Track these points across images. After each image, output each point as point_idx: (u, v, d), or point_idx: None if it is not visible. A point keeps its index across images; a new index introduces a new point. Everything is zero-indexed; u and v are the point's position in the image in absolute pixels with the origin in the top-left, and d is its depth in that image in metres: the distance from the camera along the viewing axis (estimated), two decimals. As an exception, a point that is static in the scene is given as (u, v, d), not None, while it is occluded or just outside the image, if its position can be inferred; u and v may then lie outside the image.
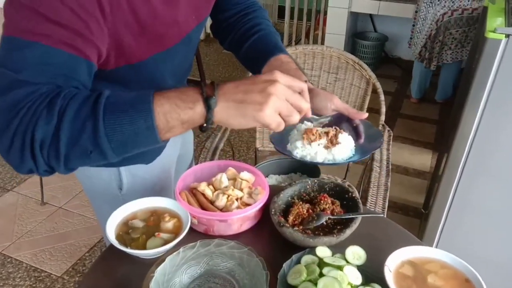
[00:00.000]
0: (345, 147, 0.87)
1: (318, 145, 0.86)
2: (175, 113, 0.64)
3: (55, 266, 2.04)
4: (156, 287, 0.76)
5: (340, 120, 0.93)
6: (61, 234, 2.23)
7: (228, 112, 0.65)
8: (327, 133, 0.88)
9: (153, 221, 0.93)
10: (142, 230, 0.91)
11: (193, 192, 1.00)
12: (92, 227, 2.27)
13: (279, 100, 0.65)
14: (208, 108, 0.64)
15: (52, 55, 0.62)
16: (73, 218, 2.34)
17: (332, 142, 0.86)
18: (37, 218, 2.33)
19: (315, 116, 0.91)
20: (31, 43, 0.61)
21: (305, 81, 0.91)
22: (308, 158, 0.86)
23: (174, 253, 0.83)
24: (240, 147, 2.99)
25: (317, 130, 0.88)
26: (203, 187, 0.99)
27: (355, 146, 0.89)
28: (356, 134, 0.92)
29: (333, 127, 0.90)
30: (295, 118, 0.68)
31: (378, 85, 1.53)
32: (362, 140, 0.90)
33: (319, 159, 0.85)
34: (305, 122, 0.93)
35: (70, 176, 2.90)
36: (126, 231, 0.91)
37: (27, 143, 0.59)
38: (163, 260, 0.82)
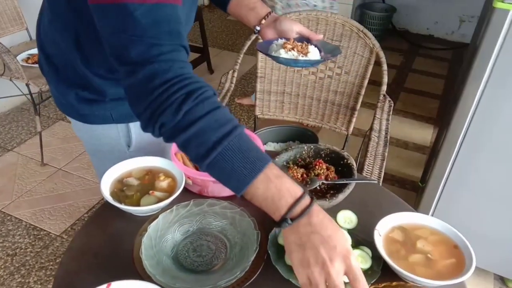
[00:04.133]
0: (314, 55, 1.00)
1: (297, 52, 0.98)
2: (260, 200, 0.66)
3: (54, 226, 2.07)
4: (148, 242, 0.77)
5: (301, 41, 1.03)
6: (61, 195, 2.26)
7: (287, 239, 0.66)
8: (300, 45, 1.01)
9: (148, 179, 0.94)
10: (136, 188, 0.91)
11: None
12: (91, 189, 2.29)
13: (324, 278, 0.61)
14: (279, 225, 0.66)
15: (159, 12, 0.66)
16: (73, 179, 2.36)
17: (304, 51, 0.99)
18: (36, 179, 2.35)
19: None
20: (139, 5, 0.64)
21: (269, 13, 1.03)
22: (292, 57, 0.98)
23: (168, 211, 0.84)
24: (241, 116, 2.97)
25: (293, 41, 1.01)
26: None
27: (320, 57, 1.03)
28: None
29: (303, 42, 1.03)
30: None
31: (381, 54, 1.49)
32: (322, 53, 1.02)
33: (300, 60, 0.98)
34: (279, 39, 1.04)
35: (70, 138, 2.87)
36: (120, 188, 0.91)
37: (153, 119, 0.66)
38: (156, 217, 0.83)
